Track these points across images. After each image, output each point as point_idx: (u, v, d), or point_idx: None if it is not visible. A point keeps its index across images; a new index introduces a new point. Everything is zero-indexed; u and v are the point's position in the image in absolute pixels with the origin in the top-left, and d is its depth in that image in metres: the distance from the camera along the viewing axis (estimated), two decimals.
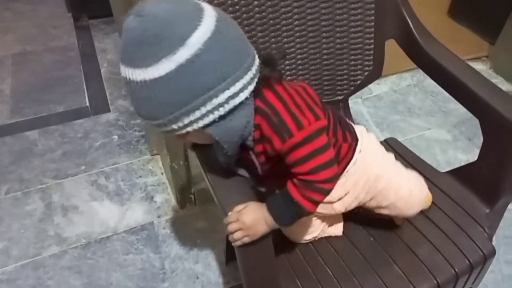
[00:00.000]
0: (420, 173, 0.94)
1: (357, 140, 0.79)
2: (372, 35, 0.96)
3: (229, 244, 0.76)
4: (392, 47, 1.00)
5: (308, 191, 0.62)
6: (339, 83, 1.02)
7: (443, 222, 0.86)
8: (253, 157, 0.69)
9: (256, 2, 0.85)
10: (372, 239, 0.85)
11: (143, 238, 1.31)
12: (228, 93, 0.57)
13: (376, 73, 1.02)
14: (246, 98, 0.59)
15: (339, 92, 1.03)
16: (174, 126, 0.58)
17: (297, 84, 0.67)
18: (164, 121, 0.58)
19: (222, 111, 0.58)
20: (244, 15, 0.85)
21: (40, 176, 1.50)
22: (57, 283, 1.20)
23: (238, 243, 0.66)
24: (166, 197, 1.43)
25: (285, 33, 0.91)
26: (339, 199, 0.79)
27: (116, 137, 1.66)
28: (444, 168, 0.99)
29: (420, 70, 0.97)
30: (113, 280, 1.21)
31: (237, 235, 0.65)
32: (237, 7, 0.83)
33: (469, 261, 0.80)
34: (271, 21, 0.89)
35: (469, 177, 0.92)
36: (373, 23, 0.95)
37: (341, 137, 0.74)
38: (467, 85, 0.85)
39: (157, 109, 0.57)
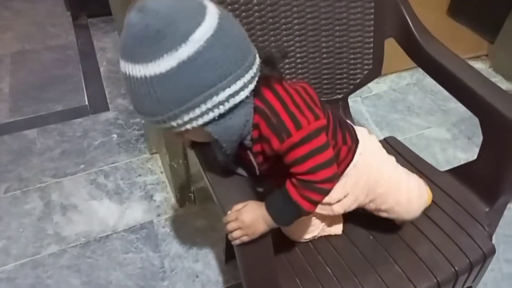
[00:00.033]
0: (420, 172, 0.95)
1: (357, 142, 0.78)
2: (372, 33, 0.96)
3: (228, 243, 0.76)
4: (391, 46, 0.99)
5: (307, 191, 0.62)
6: (338, 81, 1.01)
7: (443, 220, 0.86)
8: (251, 157, 0.69)
9: (255, 1, 0.85)
10: (372, 238, 0.85)
11: (143, 237, 1.31)
12: (228, 91, 0.57)
13: (375, 72, 1.02)
14: (246, 97, 0.59)
15: (338, 91, 1.03)
16: (173, 123, 0.58)
17: (297, 84, 0.67)
18: (164, 118, 0.58)
19: (222, 109, 0.57)
20: (244, 14, 0.85)
21: (39, 175, 1.50)
22: (56, 282, 1.20)
23: (237, 242, 0.65)
24: (166, 196, 1.43)
25: (284, 32, 0.91)
26: (338, 201, 0.79)
27: (115, 136, 1.65)
28: (443, 167, 0.99)
29: (420, 69, 0.97)
30: (112, 279, 1.21)
31: (236, 234, 0.65)
32: (236, 5, 0.83)
33: (469, 259, 0.80)
34: (271, 20, 0.88)
35: (469, 175, 0.92)
36: (372, 22, 0.95)
37: (341, 139, 0.74)
38: (467, 84, 0.85)
39: (157, 106, 0.56)
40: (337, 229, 0.87)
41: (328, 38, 0.95)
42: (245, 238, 0.65)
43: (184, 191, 1.37)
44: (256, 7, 0.86)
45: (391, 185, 0.79)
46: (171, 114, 0.57)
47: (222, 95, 0.56)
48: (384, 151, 0.84)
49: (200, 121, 0.58)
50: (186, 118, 0.57)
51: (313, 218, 0.84)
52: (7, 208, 1.40)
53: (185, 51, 0.53)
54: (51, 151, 1.59)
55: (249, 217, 0.64)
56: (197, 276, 1.22)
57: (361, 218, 0.86)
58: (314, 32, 0.93)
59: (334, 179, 0.63)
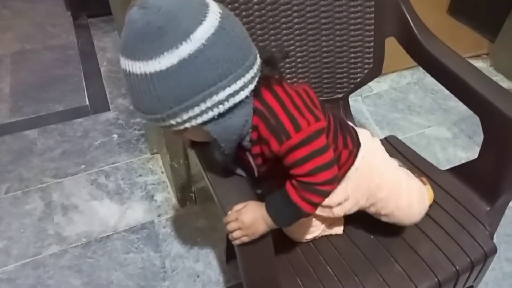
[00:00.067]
0: (421, 171, 0.94)
1: (359, 145, 0.77)
2: (372, 32, 0.96)
3: (229, 243, 0.76)
4: (392, 45, 0.99)
5: (307, 193, 0.62)
6: (339, 81, 1.01)
7: (444, 220, 0.86)
8: (250, 159, 0.69)
9: (255, 1, 0.85)
10: (372, 237, 0.85)
11: (144, 237, 1.31)
12: (228, 90, 0.56)
13: (376, 71, 1.01)
14: (246, 97, 0.59)
15: (339, 90, 1.03)
16: (173, 122, 0.58)
17: (298, 86, 0.67)
18: (163, 116, 0.57)
19: (221, 108, 0.57)
20: (244, 13, 0.85)
21: (40, 175, 1.50)
22: (57, 282, 1.20)
23: (237, 242, 0.65)
24: (166, 196, 1.43)
25: (284, 31, 0.91)
26: (339, 204, 0.79)
27: (116, 136, 1.65)
28: (444, 166, 0.99)
29: (420, 68, 0.97)
30: (113, 279, 1.21)
31: (236, 234, 0.65)
32: (236, 4, 0.83)
33: (470, 259, 0.80)
34: (271, 19, 0.88)
35: (470, 174, 0.92)
36: (373, 21, 0.95)
37: (342, 143, 0.73)
38: (468, 83, 0.85)
39: (156, 103, 0.56)
40: (338, 229, 0.87)
41: (328, 37, 0.95)
42: (245, 239, 0.65)
43: (185, 191, 1.37)
44: (256, 7, 0.85)
45: (392, 187, 0.78)
46: (170, 112, 0.57)
47: (222, 94, 0.56)
48: (386, 154, 0.83)
49: (200, 120, 0.58)
50: (185, 116, 0.57)
51: (314, 219, 0.84)
52: (8, 209, 1.39)
53: (186, 49, 0.53)
54: (52, 151, 1.59)
55: (249, 218, 0.64)
56: (198, 276, 1.22)
57: (362, 218, 0.86)
58: (314, 32, 0.93)
59: (334, 181, 0.63)
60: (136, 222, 1.35)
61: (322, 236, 0.86)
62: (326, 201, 0.64)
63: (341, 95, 1.04)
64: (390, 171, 0.81)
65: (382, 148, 0.84)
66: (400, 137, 1.06)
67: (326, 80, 1.00)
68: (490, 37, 1.91)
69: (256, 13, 0.86)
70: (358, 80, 1.02)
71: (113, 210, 1.39)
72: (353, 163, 0.76)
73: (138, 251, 1.28)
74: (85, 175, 1.50)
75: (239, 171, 0.74)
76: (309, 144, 0.59)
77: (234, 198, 0.68)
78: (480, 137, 0.87)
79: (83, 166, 1.53)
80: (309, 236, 0.85)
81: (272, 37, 0.90)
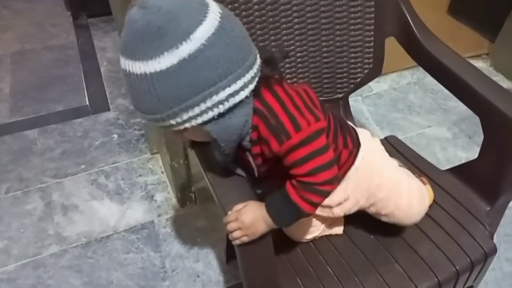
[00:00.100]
0: (420, 170, 0.94)
1: (359, 146, 0.77)
2: (372, 32, 0.96)
3: (229, 243, 0.76)
4: (392, 45, 0.99)
5: (307, 193, 0.62)
6: (339, 81, 1.01)
7: (444, 220, 0.86)
8: (250, 159, 0.69)
9: (255, 1, 0.85)
10: (372, 237, 0.85)
11: (144, 237, 1.31)
12: (228, 90, 0.56)
13: (376, 71, 1.01)
14: (246, 97, 0.59)
15: (339, 90, 1.03)
16: (172, 122, 0.58)
17: (298, 86, 0.67)
18: (163, 116, 0.57)
19: (221, 108, 0.57)
20: (244, 13, 0.85)
21: (40, 175, 1.50)
22: (57, 282, 1.20)
23: (237, 242, 0.65)
24: (166, 196, 1.43)
25: (284, 31, 0.91)
26: (339, 204, 0.79)
27: (116, 136, 1.65)
28: (444, 166, 0.99)
29: (420, 68, 0.97)
30: (113, 279, 1.21)
31: (236, 234, 0.65)
32: (236, 4, 0.83)
33: (470, 259, 0.80)
34: (271, 19, 0.88)
35: (470, 174, 0.92)
36: (373, 21, 0.95)
37: (342, 143, 0.73)
38: (468, 83, 0.85)
39: (156, 103, 0.56)
40: (338, 229, 0.87)
41: (328, 37, 0.95)
42: (245, 239, 0.65)
43: (185, 191, 1.37)
44: (256, 7, 0.85)
45: (392, 187, 0.78)
46: (170, 112, 0.57)
47: (222, 94, 0.56)
48: (386, 154, 0.83)
49: (200, 120, 0.58)
50: (185, 116, 0.57)
51: (314, 219, 0.84)
52: (8, 209, 1.39)
53: (186, 49, 0.53)
54: (52, 151, 1.59)
55: (249, 218, 0.64)
56: (198, 276, 1.22)
57: (362, 218, 0.86)
58: (314, 31, 0.93)
59: (334, 181, 0.63)
60: (136, 222, 1.35)
61: (322, 236, 0.86)
62: (326, 201, 0.64)
63: (341, 95, 1.04)
64: (390, 171, 0.81)
65: (382, 148, 0.83)
66: (400, 137, 1.06)
67: (326, 80, 1.00)
68: (490, 37, 1.91)
69: (256, 13, 0.86)
70: (358, 80, 1.02)
71: (113, 210, 1.39)
72: (353, 163, 0.76)
73: (138, 251, 1.28)
74: (85, 175, 1.50)
75: (239, 171, 0.74)
76: (309, 144, 0.59)
77: (234, 198, 0.68)
78: (480, 137, 0.87)
79: (83, 166, 1.53)
80: (309, 236, 0.85)
81: (272, 37, 0.90)
